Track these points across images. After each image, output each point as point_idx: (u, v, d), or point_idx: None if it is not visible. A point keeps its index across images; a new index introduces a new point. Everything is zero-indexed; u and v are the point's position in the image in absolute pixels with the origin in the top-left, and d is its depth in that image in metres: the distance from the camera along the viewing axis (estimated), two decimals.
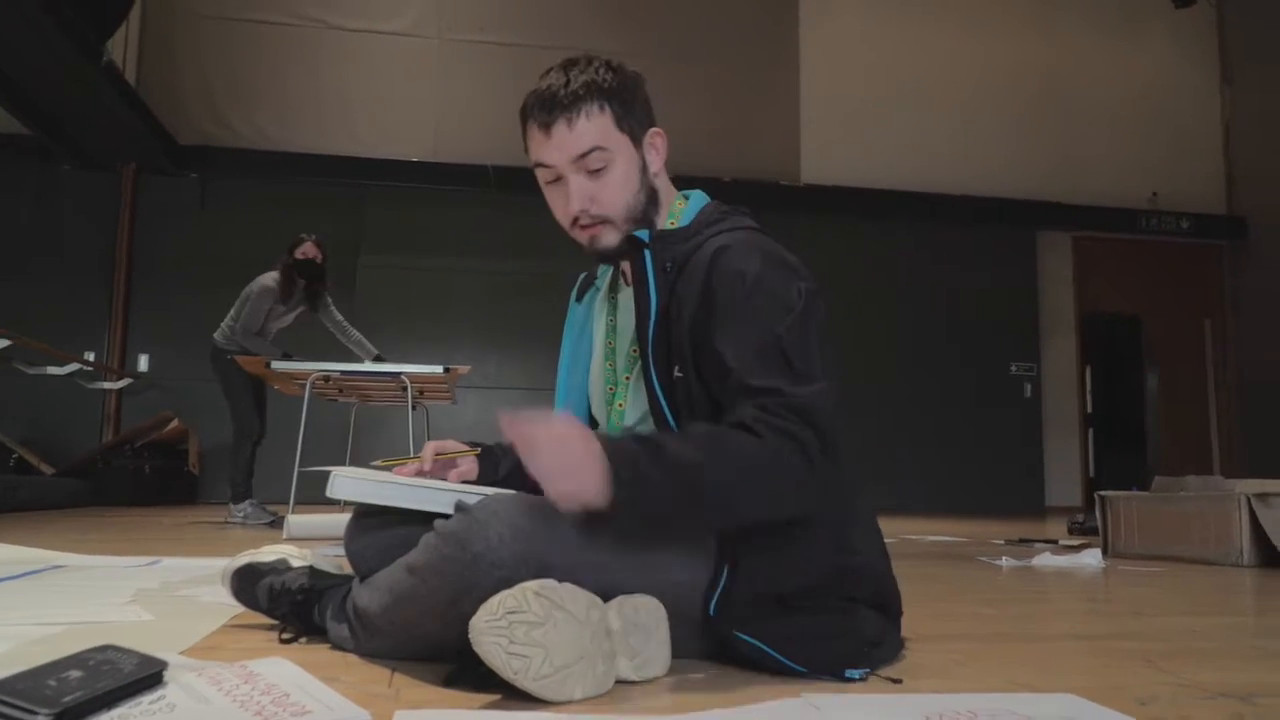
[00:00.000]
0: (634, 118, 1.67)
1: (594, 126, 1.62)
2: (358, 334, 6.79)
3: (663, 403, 1.60)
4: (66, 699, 1.07)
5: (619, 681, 1.39)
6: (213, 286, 8.19)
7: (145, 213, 9.44)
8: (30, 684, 1.10)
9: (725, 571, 1.48)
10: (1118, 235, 11.46)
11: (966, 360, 10.72)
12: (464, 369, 6.02)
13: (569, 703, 1.28)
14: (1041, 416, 11.03)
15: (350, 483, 1.65)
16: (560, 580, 1.33)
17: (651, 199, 1.71)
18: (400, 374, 5.84)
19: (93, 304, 9.23)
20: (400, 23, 10.08)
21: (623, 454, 1.33)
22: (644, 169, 1.70)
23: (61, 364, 8.40)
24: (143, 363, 9.33)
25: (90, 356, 9.00)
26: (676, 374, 1.58)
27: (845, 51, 10.96)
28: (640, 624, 1.43)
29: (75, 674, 1.14)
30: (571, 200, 1.64)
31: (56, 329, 8.63)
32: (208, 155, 9.51)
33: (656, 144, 1.73)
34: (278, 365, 5.80)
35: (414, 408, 6.24)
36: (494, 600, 1.26)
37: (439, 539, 1.40)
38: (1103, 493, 4.49)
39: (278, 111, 9.76)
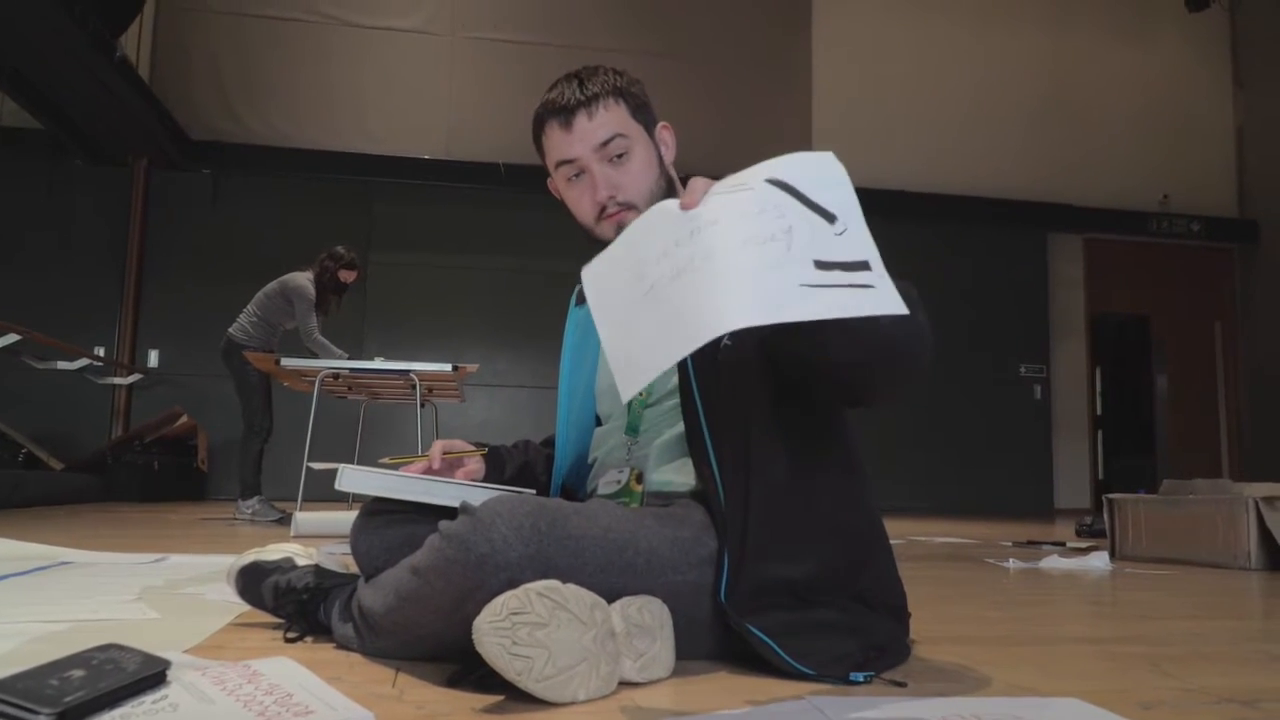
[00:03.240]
0: (645, 112, 1.75)
1: (612, 116, 1.69)
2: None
3: (693, 383, 1.60)
4: (69, 698, 1.07)
5: (623, 683, 1.38)
6: (223, 282, 8.24)
7: (157, 208, 9.47)
8: (32, 683, 1.10)
9: (727, 552, 1.50)
10: (1128, 237, 11.45)
11: (976, 361, 10.70)
12: (472, 367, 6.03)
13: (572, 704, 1.28)
14: (1051, 418, 11.02)
15: (358, 475, 1.68)
16: (564, 582, 1.34)
17: (670, 186, 1.75)
18: (409, 372, 5.85)
19: (103, 299, 9.26)
20: (413, 20, 10.10)
21: None
22: (660, 158, 1.77)
23: (71, 359, 8.43)
24: (153, 358, 9.36)
25: (100, 351, 9.03)
26: (725, 342, 1.57)
27: (857, 52, 10.96)
28: (644, 625, 1.42)
29: (78, 673, 1.14)
30: (598, 188, 1.68)
31: (67, 324, 8.66)
32: (220, 151, 9.54)
33: (665, 138, 1.81)
34: (288, 362, 5.81)
35: (423, 406, 6.25)
36: (497, 601, 1.26)
37: (443, 540, 1.40)
38: (1111, 495, 4.48)
39: (290, 108, 9.78)
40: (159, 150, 9.21)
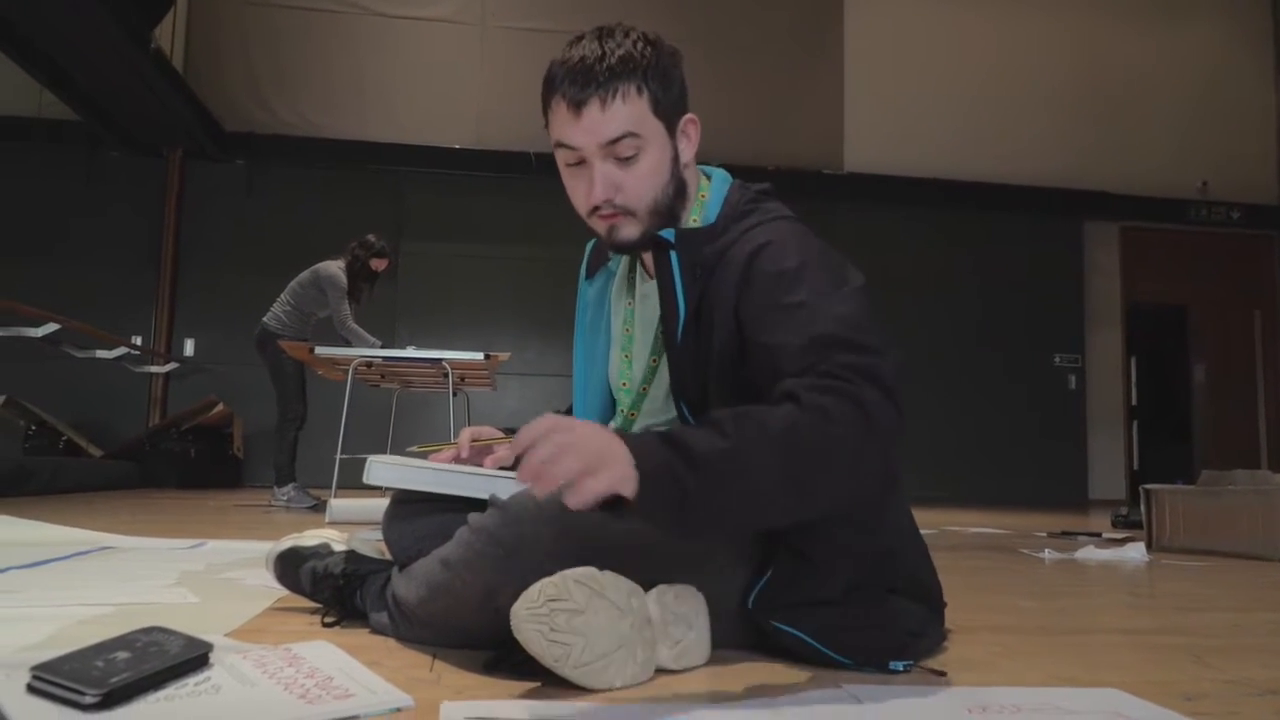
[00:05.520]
0: (670, 102, 1.53)
1: (629, 110, 1.47)
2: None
3: (687, 416, 1.55)
4: (114, 680, 1.09)
5: (659, 670, 1.39)
6: (258, 272, 8.29)
7: (191, 198, 9.54)
8: (78, 665, 1.11)
9: (766, 575, 1.47)
10: (1166, 225, 11.30)
11: (1010, 351, 10.62)
12: (504, 356, 6.04)
13: (609, 690, 1.29)
14: (1085, 408, 10.92)
15: (387, 469, 1.67)
16: None
17: (679, 191, 1.58)
18: (441, 360, 5.87)
19: (140, 289, 9.34)
20: (443, 9, 10.10)
21: (644, 447, 1.15)
22: (675, 159, 1.56)
23: (110, 348, 8.50)
24: (189, 347, 9.43)
25: (137, 341, 9.11)
26: (711, 384, 1.50)
27: (889, 39, 10.87)
28: (680, 613, 1.42)
29: (122, 655, 1.15)
30: (595, 188, 1.50)
31: (104, 313, 8.73)
32: (253, 141, 9.59)
33: (690, 132, 1.59)
34: (321, 351, 5.84)
35: (455, 394, 6.27)
36: (535, 588, 1.26)
37: (472, 535, 1.41)
38: (1148, 486, 4.44)
39: (322, 98, 9.82)
40: (193, 141, 9.26)
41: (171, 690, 1.13)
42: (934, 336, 10.20)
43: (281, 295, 6.38)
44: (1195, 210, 11.25)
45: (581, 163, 1.52)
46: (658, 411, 1.67)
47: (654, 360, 1.67)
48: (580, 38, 1.53)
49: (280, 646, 1.34)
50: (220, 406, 8.63)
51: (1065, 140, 11.02)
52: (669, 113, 1.53)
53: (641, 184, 1.52)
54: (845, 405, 1.23)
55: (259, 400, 7.31)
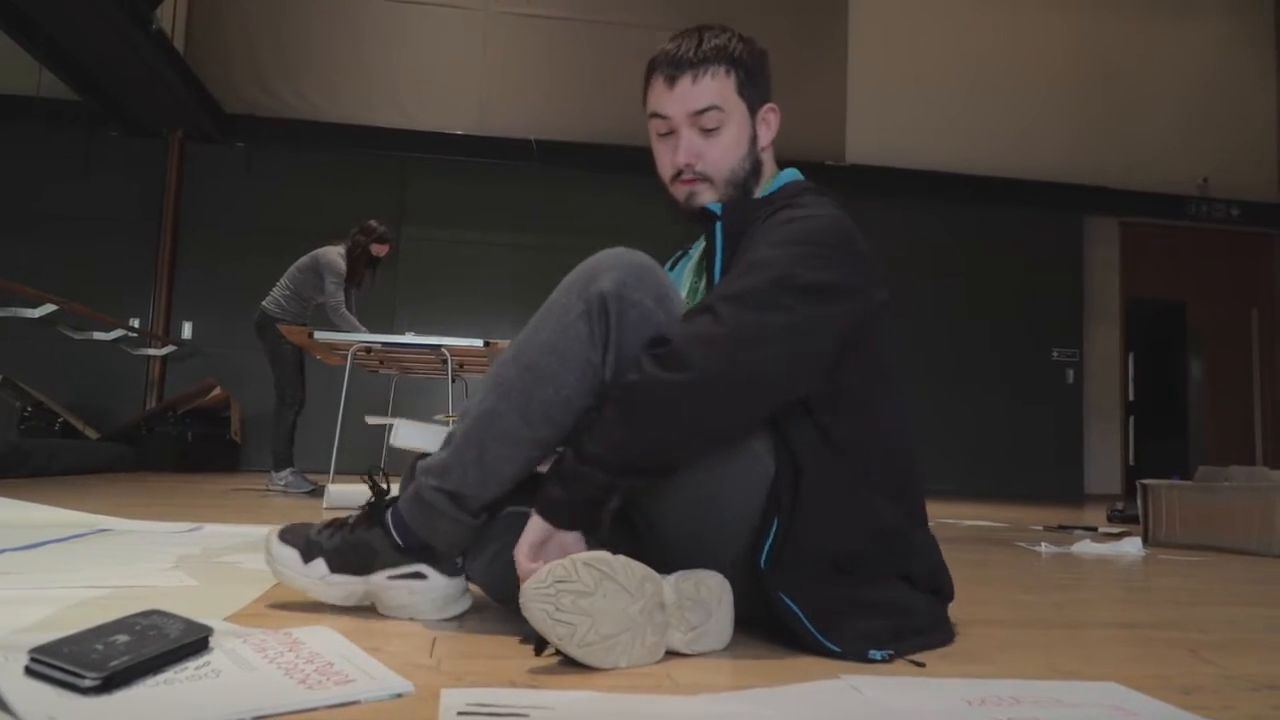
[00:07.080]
0: (755, 89, 1.74)
1: (716, 86, 1.68)
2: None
3: None
4: (113, 663, 1.08)
5: (671, 653, 1.42)
6: (257, 255, 8.29)
7: (191, 180, 9.53)
8: (77, 648, 1.11)
9: (776, 522, 1.48)
10: (1166, 221, 11.31)
11: (1009, 345, 10.64)
12: (503, 343, 6.03)
13: (614, 670, 1.32)
14: (1083, 403, 10.94)
15: (412, 430, 1.74)
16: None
17: (755, 170, 1.76)
18: (441, 347, 5.86)
19: (138, 271, 9.33)
20: None
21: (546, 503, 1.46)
22: (754, 139, 1.75)
23: (107, 330, 8.50)
24: (186, 330, 9.43)
25: (135, 323, 9.10)
26: None
27: (893, 32, 10.86)
28: (700, 599, 1.46)
29: (122, 639, 1.15)
30: (679, 152, 1.68)
31: (102, 295, 8.73)
32: (254, 124, 9.58)
33: (769, 119, 1.79)
34: (320, 335, 5.83)
35: (454, 380, 6.26)
36: (544, 569, 1.30)
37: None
38: (1144, 481, 4.45)
39: (324, 82, 9.80)
40: (194, 123, 9.25)
41: (171, 674, 1.13)
42: (932, 329, 10.20)
43: (281, 279, 6.38)
44: (1195, 207, 11.26)
45: (671, 133, 1.71)
46: None
47: None
48: (682, 32, 1.73)
49: (280, 631, 1.34)
50: (218, 390, 8.64)
51: (1066, 135, 11.02)
52: (752, 97, 1.74)
53: (722, 154, 1.70)
54: (648, 376, 1.42)
55: (257, 384, 7.30)
